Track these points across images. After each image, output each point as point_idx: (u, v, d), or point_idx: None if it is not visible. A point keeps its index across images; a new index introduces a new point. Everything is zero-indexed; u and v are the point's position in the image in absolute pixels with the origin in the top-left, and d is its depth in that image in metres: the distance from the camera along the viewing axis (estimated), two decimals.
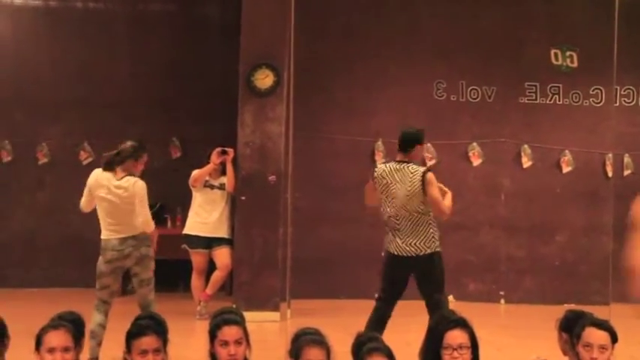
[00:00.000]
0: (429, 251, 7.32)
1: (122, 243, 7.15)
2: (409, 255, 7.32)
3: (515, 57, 11.25)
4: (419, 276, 7.40)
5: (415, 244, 7.31)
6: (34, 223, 11.33)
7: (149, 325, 4.65)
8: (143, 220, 7.20)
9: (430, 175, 7.31)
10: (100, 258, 7.20)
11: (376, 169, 7.60)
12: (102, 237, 7.25)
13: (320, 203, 10.88)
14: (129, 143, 7.43)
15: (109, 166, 7.28)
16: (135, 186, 7.20)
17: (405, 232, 7.40)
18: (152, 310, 7.21)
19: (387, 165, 7.56)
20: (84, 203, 7.44)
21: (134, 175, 7.28)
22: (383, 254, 7.59)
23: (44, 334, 4.58)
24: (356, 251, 10.85)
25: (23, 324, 5.04)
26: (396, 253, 7.39)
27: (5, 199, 11.40)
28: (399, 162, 7.42)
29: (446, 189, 7.53)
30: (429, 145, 10.64)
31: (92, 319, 6.96)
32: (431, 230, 7.39)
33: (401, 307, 7.39)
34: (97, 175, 7.35)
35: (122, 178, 7.21)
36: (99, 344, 6.98)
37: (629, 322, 5.91)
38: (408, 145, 7.45)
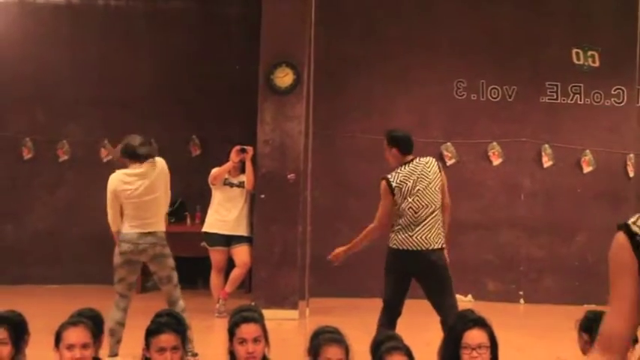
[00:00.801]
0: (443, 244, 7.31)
1: (140, 238, 7.18)
2: (434, 248, 7.26)
3: (536, 56, 11.19)
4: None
5: (438, 236, 7.30)
6: (55, 220, 11.37)
7: (168, 323, 4.67)
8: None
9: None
10: (116, 249, 7.24)
11: (392, 181, 7.36)
12: (122, 230, 7.28)
13: (339, 201, 10.88)
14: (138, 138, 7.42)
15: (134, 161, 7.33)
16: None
17: (429, 225, 7.31)
18: (181, 307, 7.26)
19: (402, 170, 7.44)
20: (113, 218, 7.38)
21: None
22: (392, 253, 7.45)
23: (63, 330, 4.60)
24: (375, 250, 10.77)
25: (43, 321, 5.07)
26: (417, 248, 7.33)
27: (26, 196, 11.46)
28: (410, 162, 7.34)
29: None
30: (448, 144, 10.63)
31: (111, 317, 6.98)
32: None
33: (419, 305, 7.35)
34: (114, 178, 7.38)
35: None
36: (118, 342, 7.00)
37: None
38: (411, 145, 7.41)
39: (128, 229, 7.26)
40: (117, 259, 7.26)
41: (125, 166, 7.36)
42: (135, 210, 7.26)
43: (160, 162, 7.39)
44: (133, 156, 7.29)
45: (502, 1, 11.09)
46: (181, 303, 7.32)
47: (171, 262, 7.46)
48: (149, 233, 7.21)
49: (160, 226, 7.39)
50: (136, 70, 11.57)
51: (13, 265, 11.17)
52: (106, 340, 6.67)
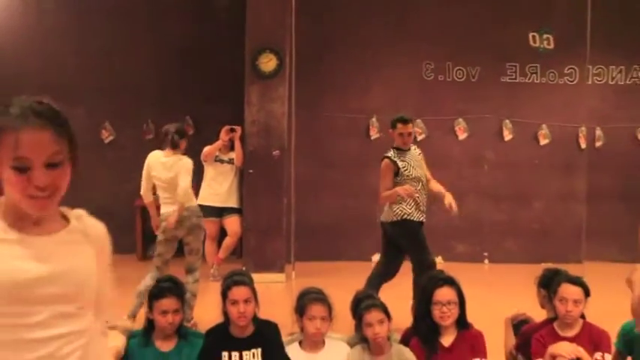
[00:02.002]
0: None
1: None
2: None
3: (496, 40, 11.22)
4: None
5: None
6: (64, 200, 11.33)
7: (170, 288, 4.70)
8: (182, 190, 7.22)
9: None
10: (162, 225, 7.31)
11: (393, 159, 7.49)
12: (161, 211, 7.36)
13: (320, 175, 10.92)
14: (174, 126, 7.57)
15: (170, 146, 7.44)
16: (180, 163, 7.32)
17: (423, 200, 7.58)
18: (196, 277, 7.30)
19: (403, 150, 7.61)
20: (144, 190, 7.45)
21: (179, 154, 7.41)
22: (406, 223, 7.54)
23: None
24: (354, 217, 10.89)
25: None
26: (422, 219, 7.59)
27: None
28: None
29: None
30: (418, 120, 10.67)
31: (143, 282, 7.05)
32: None
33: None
34: (151, 157, 7.46)
35: (170, 156, 7.36)
36: (141, 305, 6.97)
37: (601, 279, 5.92)
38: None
39: (163, 209, 7.36)
40: (159, 236, 7.31)
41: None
42: (162, 191, 7.39)
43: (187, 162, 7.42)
44: (171, 142, 7.41)
45: None
46: (197, 274, 7.36)
47: (203, 235, 7.57)
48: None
49: (192, 200, 7.43)
50: (133, 58, 11.51)
51: None
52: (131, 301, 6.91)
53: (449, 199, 7.57)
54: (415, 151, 7.72)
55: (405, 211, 7.49)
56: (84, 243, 2.39)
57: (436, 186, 7.86)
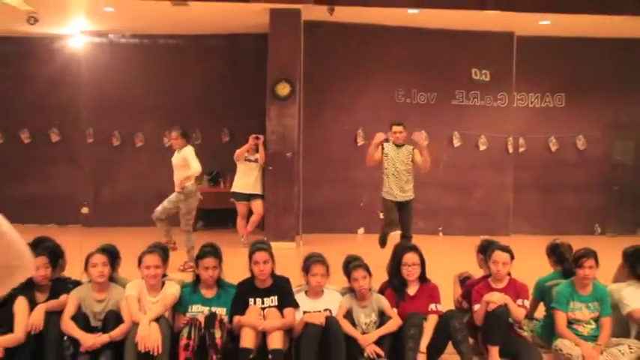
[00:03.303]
0: None
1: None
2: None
3: (448, 73, 11.18)
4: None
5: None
6: (133, 184, 11.31)
7: (210, 251, 4.69)
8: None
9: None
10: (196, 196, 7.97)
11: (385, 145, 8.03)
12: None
13: (320, 171, 10.86)
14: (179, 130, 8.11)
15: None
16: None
17: (397, 186, 7.95)
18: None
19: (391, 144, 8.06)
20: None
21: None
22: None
23: (143, 256, 4.62)
24: (345, 202, 10.87)
25: (130, 250, 5.06)
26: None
27: (116, 169, 11.42)
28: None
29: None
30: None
31: (192, 240, 7.67)
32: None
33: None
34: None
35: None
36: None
37: (522, 247, 5.91)
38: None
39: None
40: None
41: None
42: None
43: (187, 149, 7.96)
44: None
45: (428, 37, 11.03)
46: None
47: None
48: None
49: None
50: (186, 85, 11.49)
51: (106, 211, 11.16)
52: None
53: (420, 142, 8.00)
54: (406, 149, 7.92)
55: (383, 191, 7.95)
56: None
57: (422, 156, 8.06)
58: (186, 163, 7.86)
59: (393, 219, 7.85)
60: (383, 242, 7.91)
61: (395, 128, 8.00)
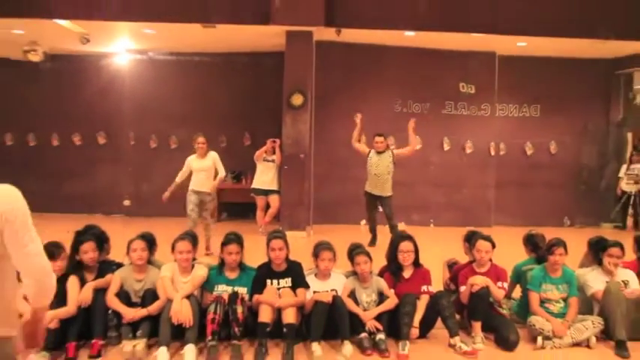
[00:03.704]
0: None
1: None
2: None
3: (440, 87, 11.13)
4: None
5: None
6: (165, 181, 11.27)
7: (233, 238, 4.68)
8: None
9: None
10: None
11: (370, 152, 8.52)
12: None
13: (328, 170, 10.84)
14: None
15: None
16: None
17: (377, 184, 8.30)
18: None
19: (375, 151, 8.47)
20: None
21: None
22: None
23: (176, 242, 4.61)
24: (349, 196, 10.83)
25: (165, 237, 5.05)
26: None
27: (153, 167, 11.41)
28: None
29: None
30: (391, 137, 10.58)
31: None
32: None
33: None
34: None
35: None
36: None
37: (503, 237, 5.87)
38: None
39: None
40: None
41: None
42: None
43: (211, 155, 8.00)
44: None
45: (422, 54, 10.94)
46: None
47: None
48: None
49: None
50: (214, 97, 11.50)
51: (145, 203, 11.19)
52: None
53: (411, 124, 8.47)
54: (387, 154, 8.07)
55: (365, 186, 8.49)
56: None
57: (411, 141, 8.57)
58: (215, 167, 7.82)
59: (371, 215, 8.49)
60: (372, 242, 8.14)
61: (377, 139, 8.51)
